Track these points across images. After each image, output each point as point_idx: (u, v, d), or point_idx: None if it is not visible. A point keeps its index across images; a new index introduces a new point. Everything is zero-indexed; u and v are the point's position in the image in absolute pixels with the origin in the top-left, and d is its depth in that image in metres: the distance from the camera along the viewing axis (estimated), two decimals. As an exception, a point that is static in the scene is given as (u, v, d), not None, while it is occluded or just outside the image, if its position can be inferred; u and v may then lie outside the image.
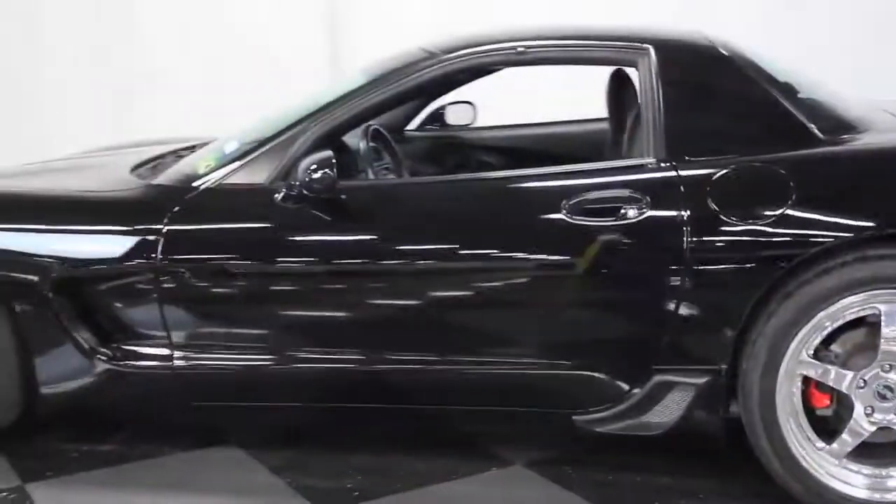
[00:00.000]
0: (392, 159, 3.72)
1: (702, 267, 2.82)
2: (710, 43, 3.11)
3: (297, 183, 2.97)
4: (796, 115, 2.93)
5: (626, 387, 2.94)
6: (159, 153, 3.76)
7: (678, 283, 2.83)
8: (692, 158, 2.89)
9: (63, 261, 3.14)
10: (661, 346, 2.89)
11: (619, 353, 2.94)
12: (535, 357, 2.98)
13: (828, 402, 2.84)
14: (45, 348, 3.19)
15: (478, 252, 2.97)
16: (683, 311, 2.85)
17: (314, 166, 2.94)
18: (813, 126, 2.92)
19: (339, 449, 3.33)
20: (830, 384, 2.79)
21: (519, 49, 3.17)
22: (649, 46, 3.07)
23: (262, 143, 3.16)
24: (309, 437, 3.41)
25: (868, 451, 2.84)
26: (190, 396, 3.17)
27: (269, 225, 3.10)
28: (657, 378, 2.91)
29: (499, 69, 3.46)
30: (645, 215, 2.84)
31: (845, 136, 2.95)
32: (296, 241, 3.07)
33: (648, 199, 2.85)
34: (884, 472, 2.82)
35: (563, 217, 2.88)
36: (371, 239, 3.04)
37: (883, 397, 2.77)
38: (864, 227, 2.73)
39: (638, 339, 2.92)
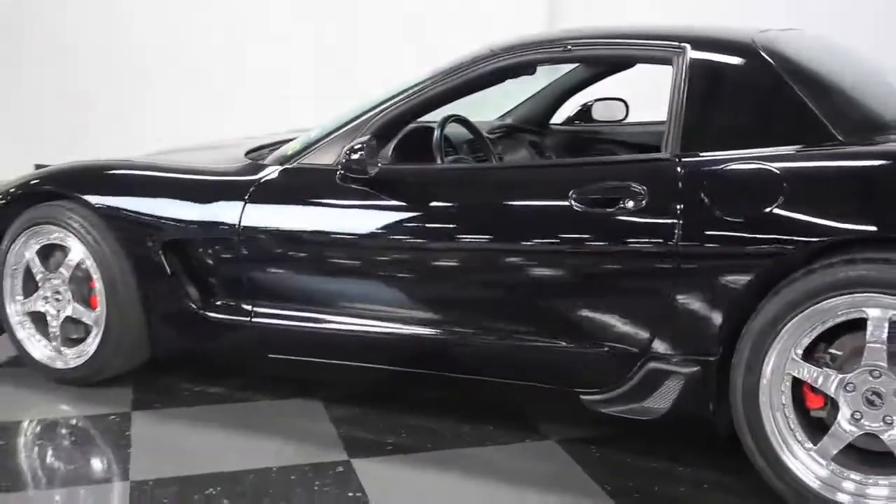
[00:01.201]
0: (483, 149, 3.97)
1: (691, 259, 2.90)
2: (749, 41, 3.13)
3: (341, 164, 3.33)
4: (818, 115, 2.92)
5: (625, 371, 3.06)
6: (288, 138, 4.23)
7: (670, 274, 2.93)
8: (702, 154, 2.97)
9: (173, 223, 3.68)
10: (655, 334, 2.99)
11: (617, 337, 3.07)
12: (546, 335, 3.17)
13: (822, 403, 2.84)
14: (159, 299, 3.74)
15: (491, 237, 3.22)
16: (674, 301, 2.95)
17: (356, 148, 3.29)
18: (834, 127, 2.90)
19: (400, 409, 3.66)
20: (817, 386, 2.79)
21: (567, 47, 3.34)
22: (686, 45, 3.15)
23: (335, 130, 3.54)
24: (379, 396, 3.76)
25: (861, 457, 2.81)
26: (266, 348, 3.61)
27: (328, 201, 3.48)
28: (651, 365, 3.01)
29: (547, 65, 3.62)
30: (641, 207, 2.96)
31: (874, 139, 2.91)
32: (345, 216, 3.44)
33: (647, 190, 2.96)
34: (870, 479, 2.78)
35: (570, 206, 3.05)
36: (399, 217, 3.35)
37: (871, 403, 2.74)
38: (851, 229, 2.72)
39: (633, 326, 3.03)
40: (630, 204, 2.98)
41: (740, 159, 2.91)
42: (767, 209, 2.80)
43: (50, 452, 3.41)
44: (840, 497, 2.78)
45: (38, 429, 3.59)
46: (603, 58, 3.44)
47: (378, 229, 3.37)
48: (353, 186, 3.39)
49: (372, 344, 3.43)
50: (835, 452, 2.79)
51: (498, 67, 3.40)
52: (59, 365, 3.92)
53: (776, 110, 3.00)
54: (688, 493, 3.05)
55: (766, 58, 3.07)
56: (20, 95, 8.47)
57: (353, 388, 3.83)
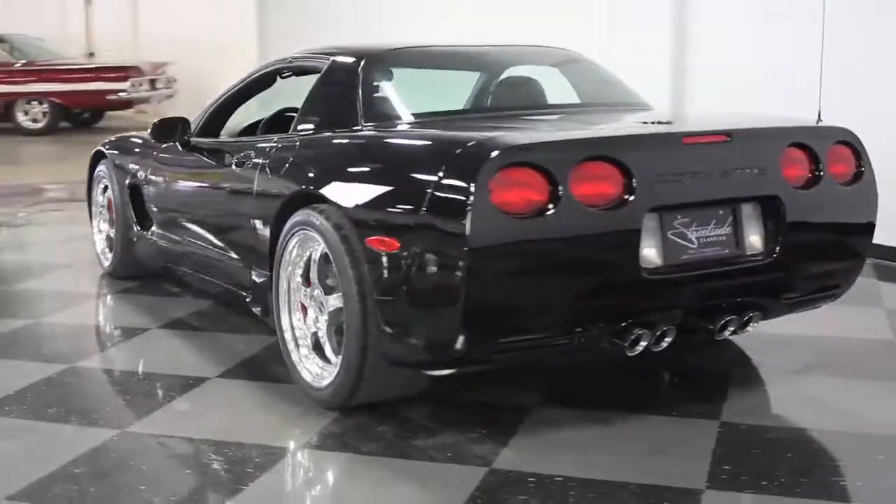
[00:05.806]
0: None
1: (259, 198, 4.26)
2: (360, 55, 4.30)
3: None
4: (358, 110, 4.08)
5: (251, 279, 4.44)
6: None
7: (252, 210, 4.31)
8: (297, 132, 4.27)
9: (130, 172, 5.71)
10: (253, 253, 4.35)
11: (244, 254, 4.48)
12: (225, 252, 4.68)
13: (313, 311, 4.03)
14: (130, 224, 5.75)
15: (206, 186, 4.92)
16: (255, 229, 4.30)
17: (153, 124, 5.04)
18: (363, 118, 4.05)
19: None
20: (304, 300, 4.00)
21: (291, 60, 4.76)
22: (331, 58, 4.42)
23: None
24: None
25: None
26: (164, 260, 5.49)
27: (162, 156, 5.40)
28: (253, 276, 4.37)
29: (286, 75, 4.92)
30: (251, 166, 4.36)
31: (382, 125, 4.03)
32: (169, 170, 5.33)
33: (257, 156, 4.36)
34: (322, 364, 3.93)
35: (232, 167, 4.55)
36: (184, 171, 5.16)
37: (320, 311, 3.90)
38: (302, 188, 3.94)
39: (246, 247, 4.42)
40: (250, 165, 4.38)
41: (294, 137, 4.22)
42: (283, 169, 4.10)
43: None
44: (305, 375, 3.95)
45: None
46: (300, 68, 4.72)
47: (178, 179, 5.24)
48: (176, 149, 5.18)
49: (192, 258, 5.14)
50: (308, 343, 3.96)
51: (265, 73, 4.93)
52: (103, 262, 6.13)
53: (342, 105, 4.19)
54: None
55: (359, 68, 4.23)
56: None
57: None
